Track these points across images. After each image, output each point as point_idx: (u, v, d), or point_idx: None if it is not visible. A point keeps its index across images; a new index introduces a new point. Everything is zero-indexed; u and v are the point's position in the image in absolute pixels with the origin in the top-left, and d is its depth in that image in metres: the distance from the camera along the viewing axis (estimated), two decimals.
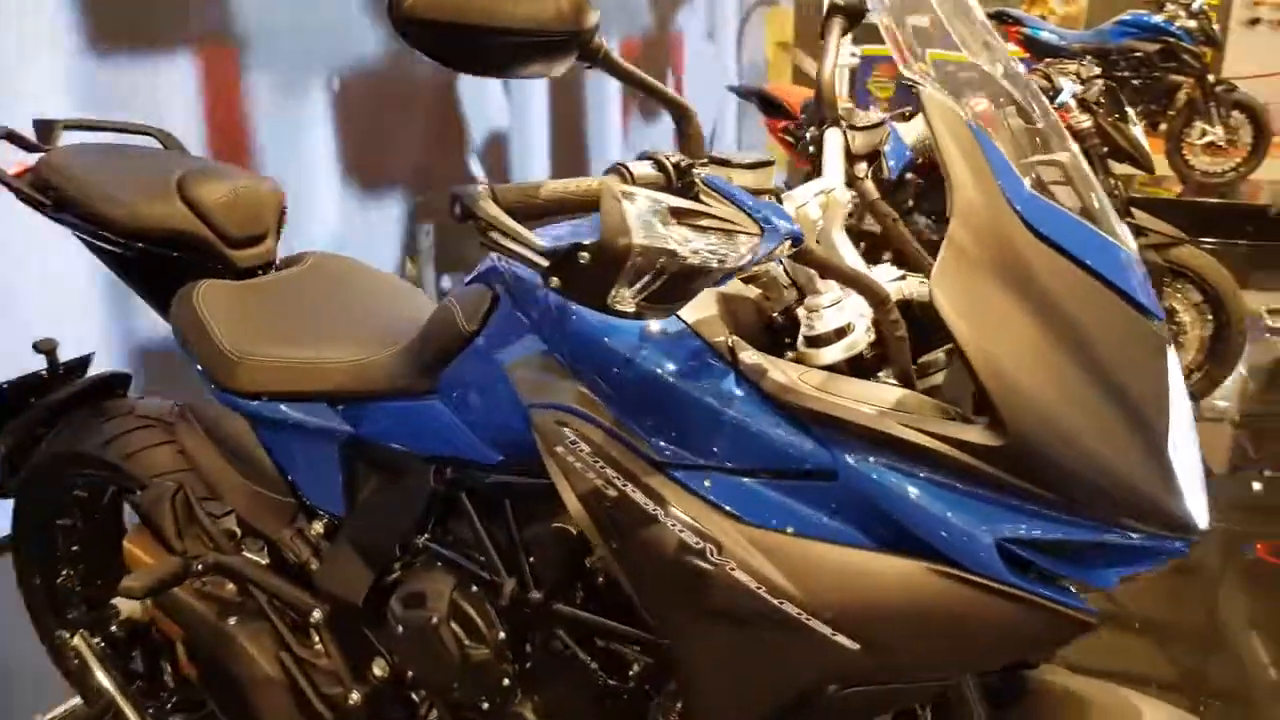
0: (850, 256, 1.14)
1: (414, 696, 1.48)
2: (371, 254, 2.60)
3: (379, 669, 1.45)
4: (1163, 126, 6.25)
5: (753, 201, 0.93)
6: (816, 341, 1.07)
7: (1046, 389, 0.93)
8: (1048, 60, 3.38)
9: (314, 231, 2.96)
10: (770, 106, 3.78)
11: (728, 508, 1.03)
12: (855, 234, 1.19)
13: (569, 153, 3.96)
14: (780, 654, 1.04)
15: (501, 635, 1.31)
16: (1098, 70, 3.40)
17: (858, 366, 1.07)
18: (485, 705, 1.35)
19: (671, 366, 1.05)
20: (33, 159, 1.73)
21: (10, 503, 1.91)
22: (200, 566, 1.51)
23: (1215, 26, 6.06)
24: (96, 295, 2.43)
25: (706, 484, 1.04)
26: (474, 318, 1.27)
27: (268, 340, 1.49)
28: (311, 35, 2.62)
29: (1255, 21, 8.30)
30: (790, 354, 1.11)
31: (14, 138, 1.73)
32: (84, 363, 1.92)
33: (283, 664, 1.51)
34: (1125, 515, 0.95)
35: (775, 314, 1.17)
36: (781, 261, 1.12)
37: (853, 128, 1.24)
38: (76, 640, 1.74)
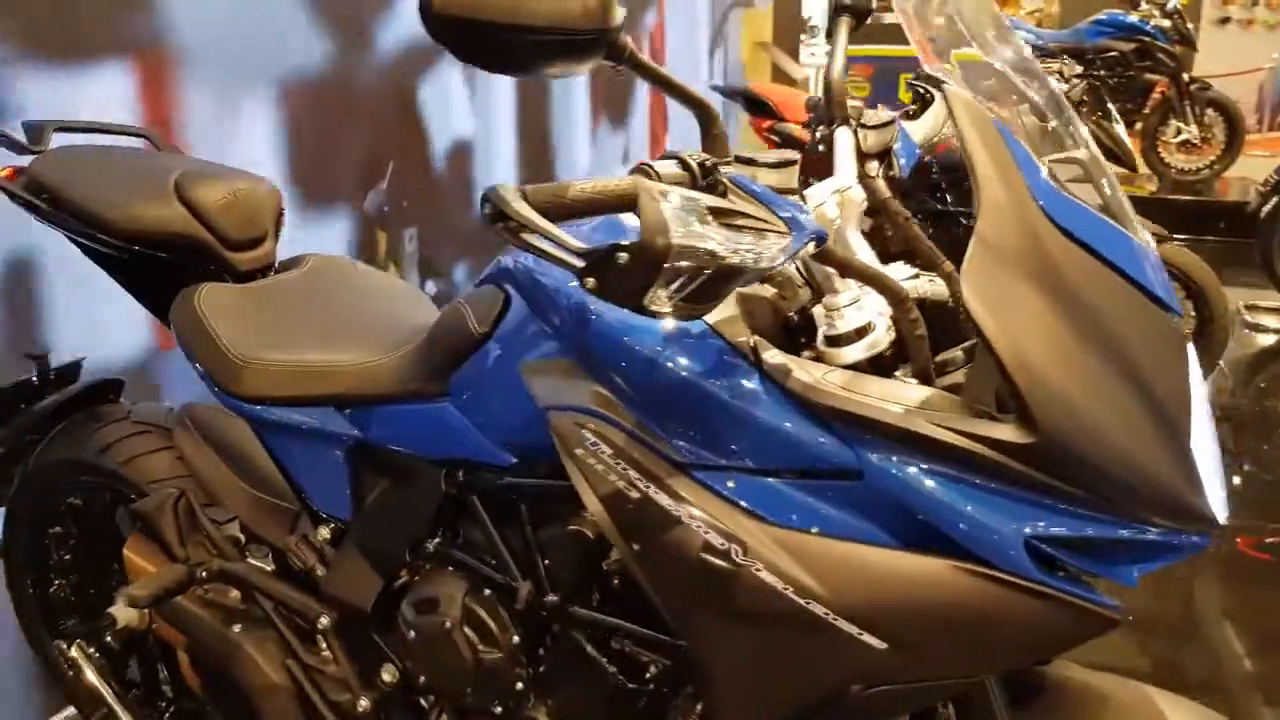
0: (866, 255, 1.14)
1: (423, 702, 1.46)
2: None
3: (388, 675, 1.44)
4: (1138, 125, 6.32)
5: (779, 200, 0.93)
6: (837, 341, 1.07)
7: (1075, 385, 0.93)
8: None
9: None
10: (755, 105, 3.79)
11: (752, 508, 1.02)
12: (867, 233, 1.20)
13: (536, 160, 3.92)
14: (806, 654, 1.04)
15: (515, 639, 1.30)
16: (1080, 70, 3.43)
17: (878, 365, 1.07)
18: (498, 709, 1.34)
19: (694, 367, 1.04)
20: (22, 161, 1.70)
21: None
22: (204, 574, 1.49)
23: (1189, 26, 6.14)
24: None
25: (729, 484, 1.04)
26: (486, 319, 1.26)
27: (272, 344, 1.47)
28: (255, 42, 2.51)
29: (1225, 21, 8.43)
30: (807, 353, 1.11)
31: (3, 139, 1.70)
32: (75, 369, 1.89)
33: (289, 671, 1.49)
34: (1151, 511, 0.96)
35: (791, 313, 1.16)
36: (796, 261, 1.12)
37: (864, 126, 1.25)
38: (73, 650, 1.71)
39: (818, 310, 1.12)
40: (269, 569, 1.53)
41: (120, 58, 2.14)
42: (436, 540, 1.37)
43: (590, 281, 0.85)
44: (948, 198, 3.04)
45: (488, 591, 1.32)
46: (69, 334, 2.04)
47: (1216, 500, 0.99)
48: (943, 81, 0.96)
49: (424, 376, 1.35)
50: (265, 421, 1.49)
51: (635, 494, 1.06)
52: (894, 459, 0.97)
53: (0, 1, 1.91)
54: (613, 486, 1.07)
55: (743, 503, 1.03)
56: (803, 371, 1.01)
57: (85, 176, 1.61)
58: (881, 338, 1.06)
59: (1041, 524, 0.95)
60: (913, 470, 0.96)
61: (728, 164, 0.94)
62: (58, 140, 1.75)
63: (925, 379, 1.06)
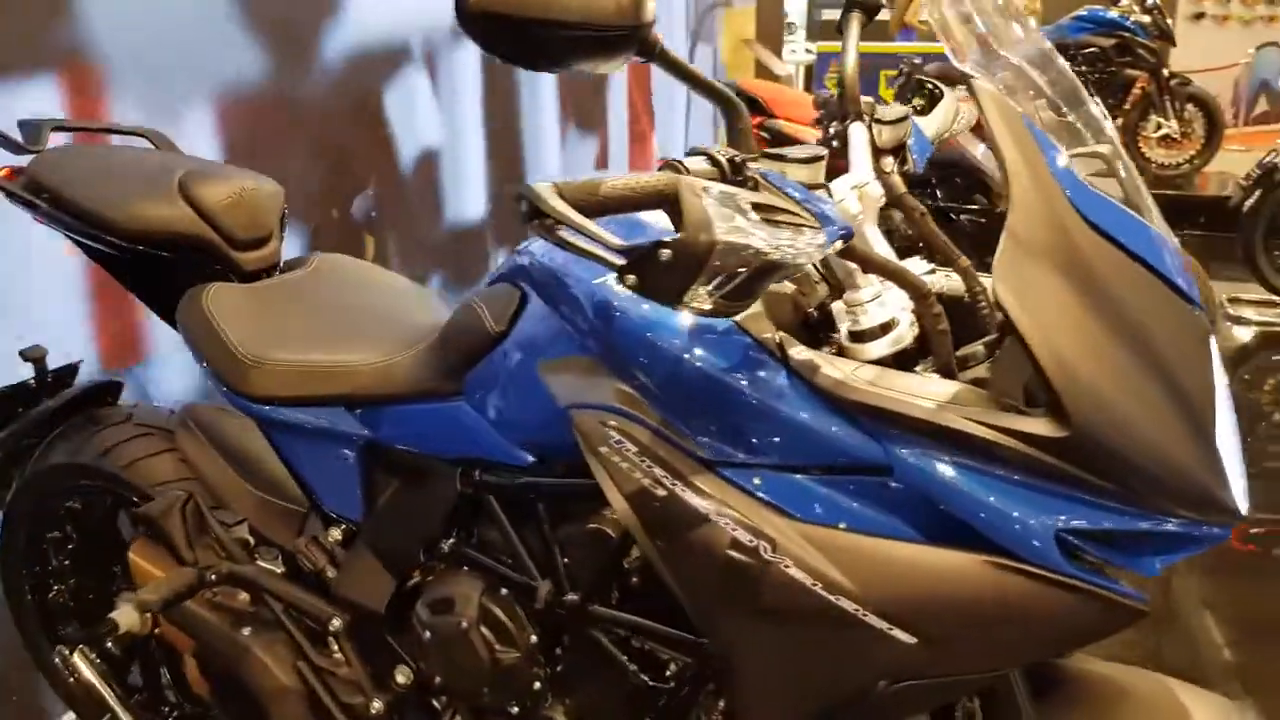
0: (884, 250, 1.14)
1: (435, 704, 1.46)
2: None
3: (402, 676, 1.43)
4: (1119, 120, 6.37)
5: (809, 195, 0.93)
6: (862, 337, 1.07)
7: (1106, 379, 0.93)
8: None
9: None
10: (744, 102, 3.78)
11: (779, 505, 1.02)
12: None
13: (504, 168, 3.87)
14: (834, 651, 1.04)
15: (533, 638, 1.29)
16: None
17: (900, 361, 1.07)
18: (514, 710, 1.33)
19: (721, 364, 1.04)
20: (19, 160, 1.67)
21: None
22: (214, 577, 1.48)
23: (1168, 21, 6.19)
24: None
25: (756, 482, 1.03)
26: (502, 318, 1.25)
27: (282, 344, 1.46)
28: (197, 52, 2.35)
29: (1200, 16, 8.50)
30: (827, 349, 1.11)
31: (1, 139, 1.67)
32: (72, 371, 1.87)
33: (301, 674, 1.47)
34: (1177, 503, 0.96)
35: (811, 310, 1.16)
36: None
37: (879, 122, 1.25)
38: (75, 656, 1.69)
39: (837, 306, 1.12)
40: (279, 571, 1.52)
41: (45, 71, 2.01)
42: (451, 540, 1.36)
43: (630, 279, 0.84)
44: (938, 193, 3.05)
45: (504, 591, 1.31)
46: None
47: (1239, 491, 1.00)
48: (972, 77, 0.96)
49: (437, 376, 1.34)
50: (275, 422, 1.48)
51: (661, 491, 1.05)
52: (923, 454, 0.97)
53: None
54: (638, 484, 1.06)
55: (770, 499, 1.02)
56: (830, 367, 1.01)
57: (87, 176, 1.59)
58: (906, 333, 1.06)
59: (1071, 517, 0.95)
60: (942, 465, 0.97)
61: (755, 159, 0.94)
62: (55, 140, 1.73)
63: (948, 374, 1.07)
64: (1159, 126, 6.43)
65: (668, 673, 1.24)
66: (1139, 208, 1.05)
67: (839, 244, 0.94)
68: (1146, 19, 5.93)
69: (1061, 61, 1.11)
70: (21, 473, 1.80)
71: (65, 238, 1.65)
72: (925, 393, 0.98)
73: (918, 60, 4.92)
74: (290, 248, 2.01)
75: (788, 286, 1.17)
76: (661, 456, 1.06)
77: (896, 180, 1.22)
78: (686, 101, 5.99)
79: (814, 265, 1.16)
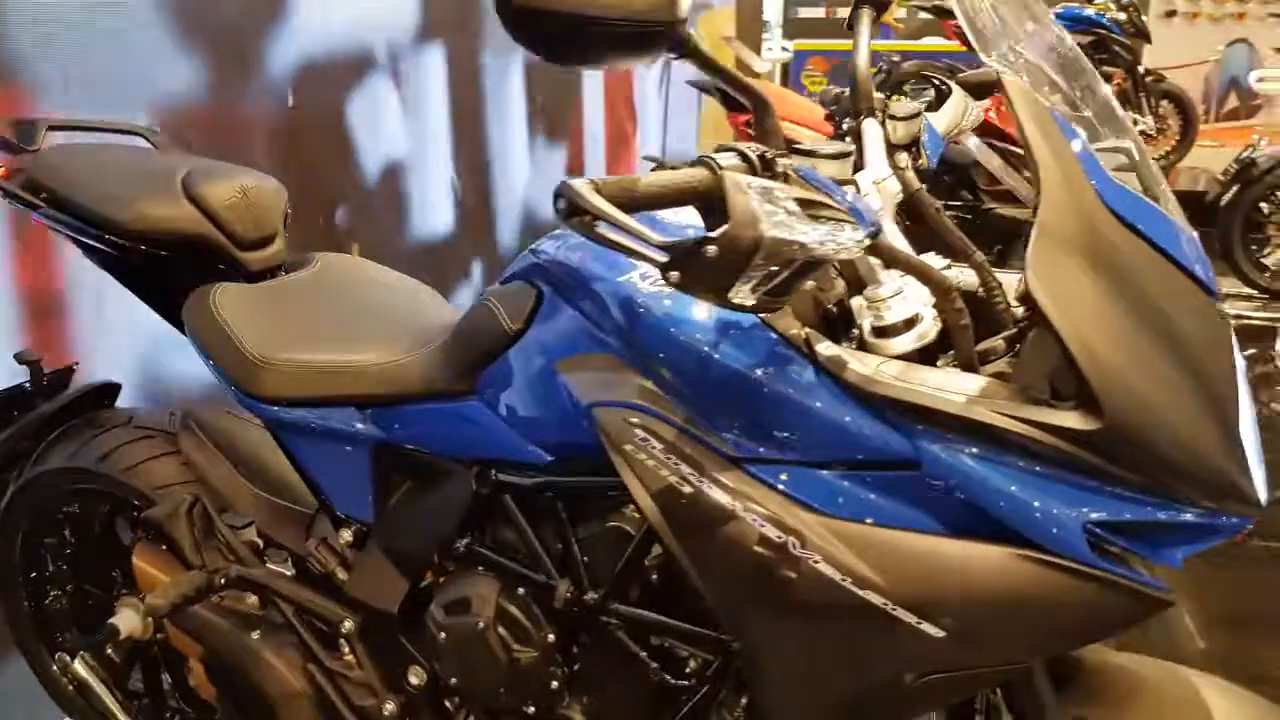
0: (903, 246, 1.14)
1: (448, 704, 1.45)
2: None
3: (415, 678, 1.42)
4: None
5: (839, 191, 0.93)
6: (885, 332, 1.07)
7: (1136, 372, 0.94)
8: None
9: None
10: (731, 100, 3.79)
11: (806, 500, 1.02)
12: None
13: (473, 179, 3.83)
14: (863, 645, 1.04)
15: (550, 637, 1.29)
16: None
17: (923, 356, 1.08)
18: (530, 710, 1.32)
19: (747, 360, 1.04)
20: (16, 160, 1.65)
21: None
22: (223, 580, 1.46)
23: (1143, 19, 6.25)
24: None
25: (783, 477, 1.04)
26: (519, 316, 1.25)
27: (291, 344, 1.44)
28: (135, 64, 2.17)
29: (1172, 14, 8.59)
30: (846, 344, 1.12)
31: None
32: (68, 373, 1.84)
33: (311, 677, 1.46)
34: (1203, 494, 0.97)
35: (830, 305, 1.17)
36: None
37: (893, 118, 1.25)
38: (77, 664, 1.67)
39: (857, 302, 1.12)
40: (288, 574, 1.51)
41: None
42: (465, 540, 1.35)
43: (673, 275, 0.84)
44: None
45: (520, 590, 1.31)
46: None
47: (1260, 481, 1.01)
48: (1000, 72, 0.96)
49: (450, 375, 1.33)
50: (284, 423, 1.46)
51: (688, 488, 1.05)
52: (953, 448, 0.98)
53: None
54: (664, 482, 1.06)
55: (797, 495, 1.03)
56: (859, 363, 1.01)
57: (89, 175, 1.56)
58: (930, 328, 1.07)
59: (1099, 510, 0.96)
60: (971, 459, 0.97)
61: (785, 155, 0.94)
62: (50, 139, 1.70)
63: (970, 369, 1.07)
64: (1135, 123, 6.46)
65: (687, 670, 1.24)
66: (1158, 200, 1.05)
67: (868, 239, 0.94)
68: (1122, 16, 5.98)
69: (1080, 56, 1.12)
70: (17, 477, 1.77)
71: (65, 238, 1.63)
72: (955, 387, 0.99)
73: (896, 58, 4.94)
74: None
75: (808, 282, 1.17)
76: (687, 453, 1.06)
77: (911, 176, 1.23)
78: (665, 99, 5.97)
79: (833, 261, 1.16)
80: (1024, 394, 1.00)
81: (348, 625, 1.44)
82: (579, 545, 1.25)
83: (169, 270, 1.58)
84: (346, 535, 1.47)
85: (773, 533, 1.02)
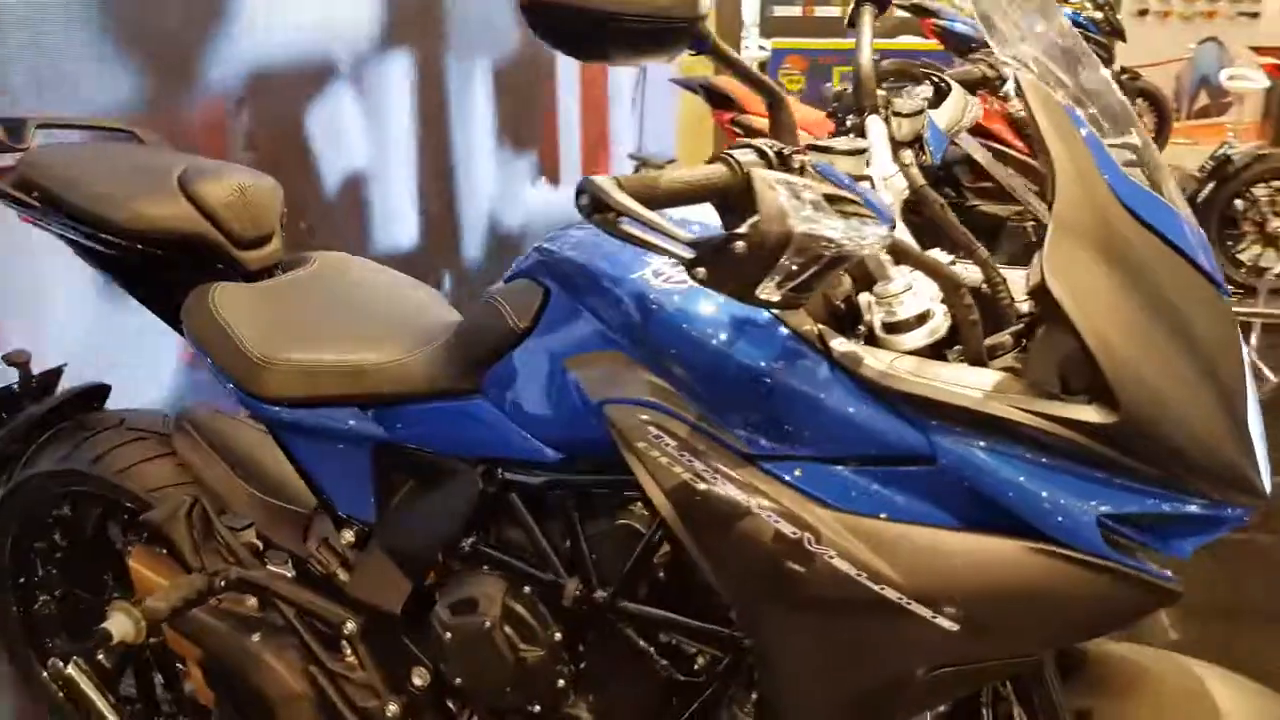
0: (910, 242, 1.15)
1: (450, 705, 1.44)
2: None
3: (419, 678, 1.41)
4: None
5: (856, 186, 0.93)
6: (898, 328, 1.07)
7: (1152, 365, 0.95)
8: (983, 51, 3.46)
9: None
10: (716, 97, 3.80)
11: (821, 496, 1.03)
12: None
13: (436, 189, 3.77)
14: (878, 639, 1.04)
15: (557, 636, 1.28)
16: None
17: (933, 352, 1.08)
18: (536, 709, 1.32)
19: (762, 356, 1.04)
20: (7, 159, 1.62)
21: None
22: (223, 583, 1.45)
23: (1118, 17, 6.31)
24: None
25: (797, 473, 1.04)
26: (526, 314, 1.24)
27: (292, 344, 1.43)
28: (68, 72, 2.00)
29: (1144, 12, 8.68)
30: (854, 340, 1.12)
31: None
32: (56, 375, 1.82)
33: (313, 679, 1.45)
34: (1212, 486, 0.98)
35: (838, 301, 1.17)
36: None
37: (898, 114, 1.26)
38: (70, 669, 1.64)
39: (864, 298, 1.12)
40: (289, 575, 1.49)
41: None
42: (471, 539, 1.35)
43: (700, 272, 0.84)
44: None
45: (527, 589, 1.30)
46: None
47: (1265, 474, 1.02)
48: (1017, 69, 0.97)
49: (454, 373, 1.32)
50: (286, 423, 1.45)
51: (702, 485, 1.05)
52: (968, 442, 0.98)
53: None
54: (678, 479, 1.06)
55: (811, 490, 1.03)
56: (873, 359, 1.02)
57: (83, 174, 1.54)
58: (941, 324, 1.07)
59: (1110, 502, 0.97)
60: (986, 453, 0.98)
61: (801, 152, 0.94)
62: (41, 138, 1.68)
63: (978, 364, 1.08)
64: None
65: (696, 667, 1.24)
66: (1167, 195, 1.06)
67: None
68: (1099, 15, 6.02)
69: (1088, 52, 1.13)
70: (6, 480, 1.75)
71: (57, 237, 1.60)
72: (971, 383, 0.99)
73: (875, 57, 4.93)
74: None
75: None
76: (701, 450, 1.06)
77: (916, 172, 1.23)
78: (642, 99, 5.94)
79: None
80: (1036, 388, 1.00)
81: (350, 626, 1.43)
82: (587, 543, 1.25)
83: (164, 270, 1.56)
84: (348, 535, 1.46)
85: (787, 528, 1.02)
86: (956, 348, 1.10)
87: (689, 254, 0.84)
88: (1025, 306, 1.13)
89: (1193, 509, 0.98)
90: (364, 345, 1.41)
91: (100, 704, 1.64)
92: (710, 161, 0.91)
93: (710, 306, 1.07)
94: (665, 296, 1.09)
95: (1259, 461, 1.01)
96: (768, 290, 0.84)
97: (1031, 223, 3.05)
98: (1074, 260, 0.95)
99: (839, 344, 1.03)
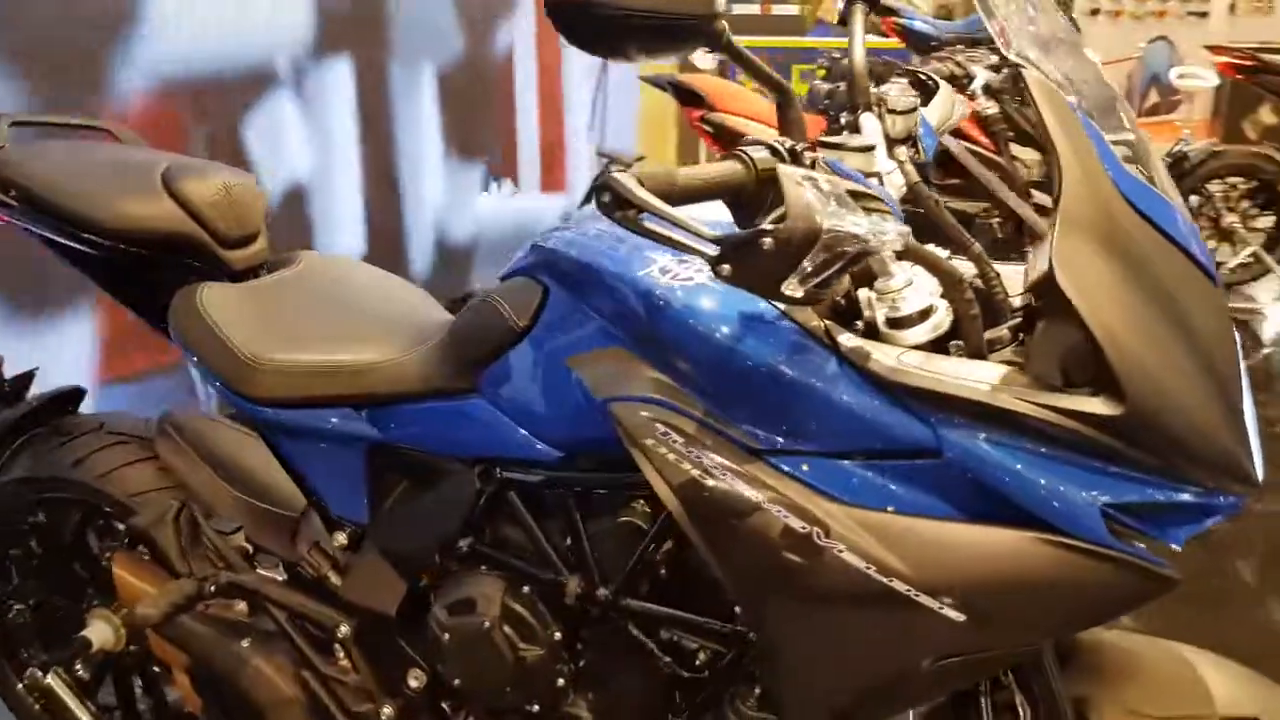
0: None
1: (445, 706, 1.43)
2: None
3: (415, 680, 1.40)
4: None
5: (867, 183, 0.94)
6: (901, 323, 1.08)
7: (1155, 357, 0.97)
8: (956, 49, 3.51)
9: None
10: (685, 95, 3.80)
11: (829, 490, 1.03)
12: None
13: (382, 199, 3.72)
14: (886, 632, 1.05)
15: (557, 635, 1.28)
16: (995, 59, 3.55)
17: (934, 346, 1.09)
18: (534, 709, 1.32)
19: (769, 352, 1.04)
20: None
21: None
22: (213, 588, 1.42)
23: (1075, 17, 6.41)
24: None
25: (804, 468, 1.04)
26: (524, 313, 1.23)
27: (283, 344, 1.41)
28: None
29: (1096, 12, 8.83)
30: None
31: None
32: (28, 379, 1.78)
33: (305, 683, 1.43)
34: (1210, 475, 1.00)
35: (839, 297, 1.18)
36: None
37: (892, 111, 1.27)
38: (50, 679, 1.61)
39: (864, 293, 1.13)
40: (280, 579, 1.47)
41: None
42: (468, 539, 1.34)
43: (725, 268, 0.84)
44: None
45: (526, 588, 1.30)
46: None
47: (1259, 463, 1.05)
48: (1023, 66, 0.98)
49: (450, 373, 1.31)
50: (276, 424, 1.43)
51: (710, 481, 1.05)
52: (974, 435, 0.99)
53: None
54: (686, 475, 1.06)
55: (819, 485, 1.04)
56: (881, 354, 1.03)
57: (62, 173, 1.50)
58: (944, 319, 1.08)
59: (1112, 492, 0.99)
60: (992, 446, 0.99)
61: (811, 149, 0.95)
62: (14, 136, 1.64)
63: (979, 358, 1.09)
64: None
65: (698, 663, 1.24)
66: (1160, 187, 1.09)
67: None
68: None
69: (1083, 48, 1.15)
70: None
71: (36, 238, 1.57)
72: (977, 376, 1.01)
73: (836, 55, 4.99)
74: None
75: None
76: (709, 446, 1.06)
77: (911, 169, 1.25)
78: (604, 97, 5.93)
79: None
80: (1039, 381, 1.02)
81: (343, 629, 1.42)
82: (589, 540, 1.25)
83: (146, 270, 1.53)
84: (340, 538, 1.44)
85: (796, 523, 1.02)
86: (955, 342, 1.11)
87: (713, 250, 0.84)
88: (1019, 301, 1.14)
89: (1188, 497, 1.00)
90: (356, 345, 1.39)
91: (81, 714, 1.61)
92: (724, 158, 0.91)
93: (717, 303, 1.07)
94: (671, 293, 1.09)
95: (1254, 450, 1.03)
96: (792, 286, 0.84)
97: (997, 219, 3.10)
98: (1080, 253, 0.97)
99: (846, 339, 1.04)
